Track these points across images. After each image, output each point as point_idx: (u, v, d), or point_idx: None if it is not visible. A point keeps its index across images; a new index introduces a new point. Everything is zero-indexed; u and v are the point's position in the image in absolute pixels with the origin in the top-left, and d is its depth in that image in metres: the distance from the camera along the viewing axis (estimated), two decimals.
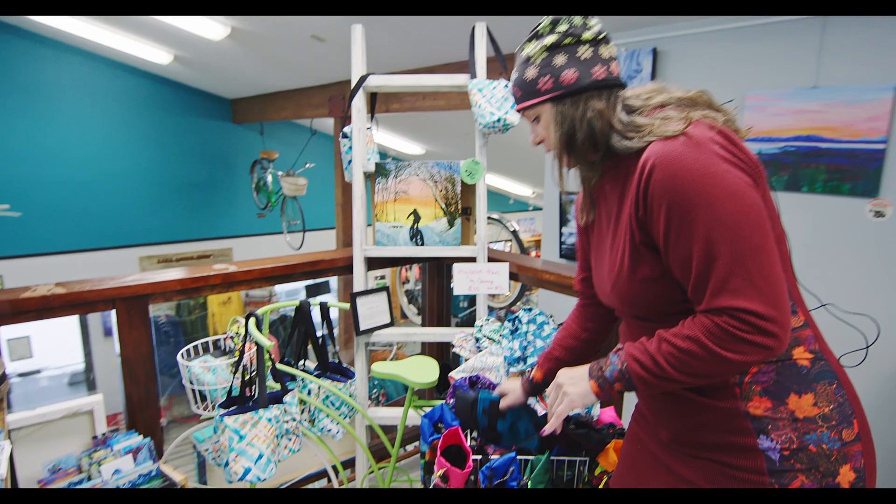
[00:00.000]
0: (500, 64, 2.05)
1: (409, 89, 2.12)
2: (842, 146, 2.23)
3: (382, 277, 6.81)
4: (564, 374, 1.04)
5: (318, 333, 1.89)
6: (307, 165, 5.88)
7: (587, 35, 0.95)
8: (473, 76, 2.01)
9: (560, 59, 0.95)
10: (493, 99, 1.96)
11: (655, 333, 0.91)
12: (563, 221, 3.33)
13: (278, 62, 4.70)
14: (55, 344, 5.61)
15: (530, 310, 1.85)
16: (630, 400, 1.41)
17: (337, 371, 1.87)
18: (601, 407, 1.63)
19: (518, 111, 1.05)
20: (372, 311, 2.07)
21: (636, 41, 2.89)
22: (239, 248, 6.83)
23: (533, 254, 7.36)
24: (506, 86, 1.97)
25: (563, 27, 0.95)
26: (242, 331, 1.64)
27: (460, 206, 2.09)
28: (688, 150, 0.83)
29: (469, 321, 5.29)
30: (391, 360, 5.12)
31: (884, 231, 2.19)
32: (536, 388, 1.38)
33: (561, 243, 3.39)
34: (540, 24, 0.98)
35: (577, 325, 1.34)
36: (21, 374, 5.68)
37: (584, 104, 0.94)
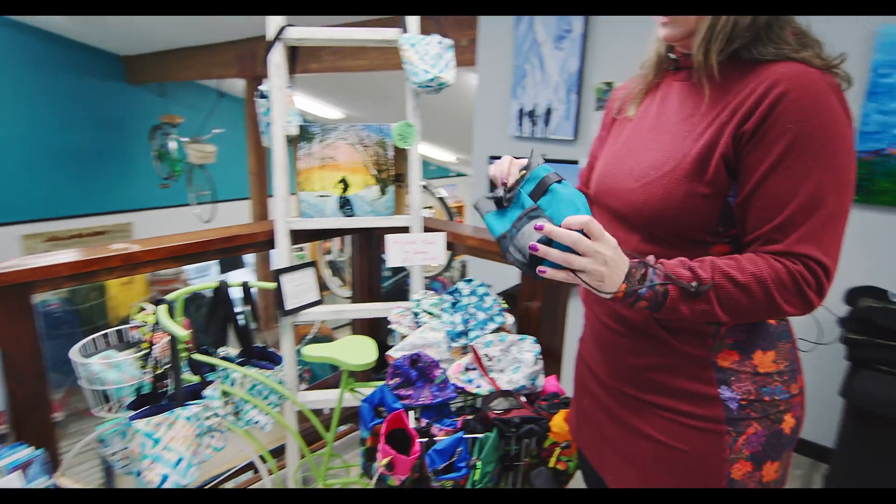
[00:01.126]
0: (432, 19, 1.90)
1: (335, 43, 1.92)
2: None
3: (300, 249, 6.52)
4: (613, 247, 0.78)
5: (239, 316, 1.71)
6: (215, 131, 5.43)
7: None
8: (405, 30, 1.85)
9: None
10: (426, 56, 1.81)
11: (706, 259, 0.79)
12: (492, 187, 3.26)
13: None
14: None
15: (470, 281, 1.77)
16: (569, 366, 1.37)
17: (263, 357, 1.71)
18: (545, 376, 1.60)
19: None
20: (298, 288, 1.91)
21: None
22: (140, 223, 6.27)
23: (456, 220, 7.34)
24: (440, 42, 1.83)
25: None
26: (151, 319, 1.43)
27: (392, 173, 1.95)
28: (826, 87, 0.76)
29: (395, 292, 5.18)
30: (312, 335, 4.92)
31: None
32: None
33: None
34: None
35: None
36: None
37: None
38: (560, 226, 0.78)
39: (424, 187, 4.13)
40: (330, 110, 6.50)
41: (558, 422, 1.41)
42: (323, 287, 5.42)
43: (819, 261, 0.76)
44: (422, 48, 1.80)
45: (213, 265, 6.71)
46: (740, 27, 0.81)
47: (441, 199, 4.04)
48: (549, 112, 2.93)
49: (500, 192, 0.95)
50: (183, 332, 1.27)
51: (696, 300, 0.78)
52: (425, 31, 1.85)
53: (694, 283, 0.78)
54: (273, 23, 1.82)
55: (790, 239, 0.77)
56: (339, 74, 4.43)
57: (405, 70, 1.83)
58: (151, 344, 1.36)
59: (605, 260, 0.77)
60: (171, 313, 1.43)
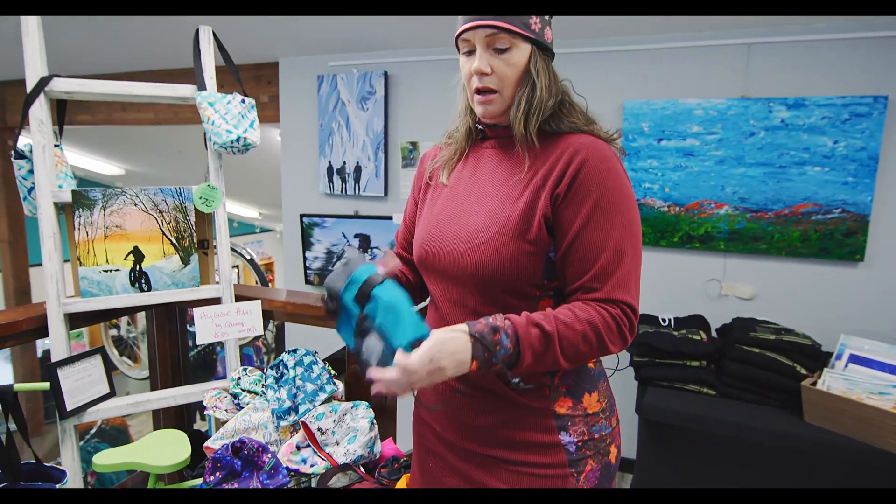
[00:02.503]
0: (232, 75, 1.80)
1: (116, 98, 1.71)
2: None
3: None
4: (441, 345, 0.80)
5: None
6: None
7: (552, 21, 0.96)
8: (202, 87, 1.72)
9: (546, 17, 0.94)
10: (228, 115, 1.71)
11: (548, 312, 0.84)
12: (307, 244, 3.17)
13: None
14: None
15: (295, 351, 1.66)
16: (404, 425, 1.35)
17: (36, 476, 1.37)
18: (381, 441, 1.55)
19: (495, 27, 0.88)
20: (82, 383, 1.59)
21: (370, 63, 2.93)
22: None
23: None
24: (242, 101, 1.74)
25: None
26: None
27: (195, 240, 1.76)
28: (614, 156, 0.91)
29: (201, 366, 4.65)
30: (96, 429, 4.13)
31: None
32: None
33: (306, 268, 3.21)
34: None
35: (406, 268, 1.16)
36: None
37: (552, 68, 0.95)
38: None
39: (231, 248, 3.84)
40: (106, 166, 5.73)
41: (402, 487, 1.37)
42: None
43: (630, 304, 0.87)
44: (222, 107, 1.70)
45: None
46: (548, 105, 0.93)
47: (250, 259, 3.78)
48: (358, 169, 2.97)
49: (327, 302, 0.96)
50: None
51: (544, 354, 0.83)
52: (221, 84, 1.75)
53: (536, 346, 0.82)
54: (33, 71, 1.55)
55: (607, 286, 0.86)
56: (116, 126, 3.95)
57: (206, 129, 1.70)
58: None
59: (437, 369, 0.79)
60: None
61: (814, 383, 1.93)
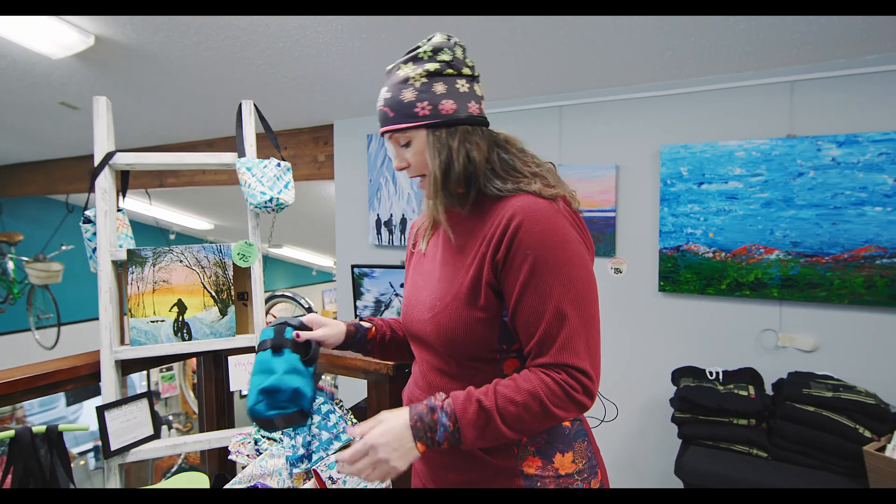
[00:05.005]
0: (270, 141, 1.98)
1: (168, 167, 1.92)
2: (584, 215, 2.60)
3: (169, 368, 5.98)
4: (384, 444, 0.84)
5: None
6: (63, 248, 5.01)
7: (466, 70, 0.96)
8: (242, 154, 1.90)
9: (440, 88, 0.94)
10: (264, 178, 1.87)
11: (489, 385, 0.87)
12: (357, 294, 3.29)
13: (19, 130, 4.01)
14: None
15: (314, 399, 1.73)
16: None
17: None
18: None
19: (388, 132, 0.98)
20: (128, 424, 1.74)
21: None
22: None
23: None
24: (278, 164, 1.90)
25: (445, 56, 0.94)
26: None
27: (234, 292, 1.91)
28: (554, 214, 0.89)
29: None
30: (178, 466, 4.41)
31: (623, 284, 2.55)
32: (360, 342, 1.16)
33: (356, 316, 3.33)
34: (419, 47, 0.95)
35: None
36: None
37: (461, 136, 0.94)
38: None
39: (291, 297, 4.06)
40: (198, 222, 6.31)
41: None
42: (192, 412, 4.96)
43: (578, 367, 0.85)
44: (258, 171, 1.86)
45: (60, 396, 5.90)
46: (454, 180, 0.94)
47: (308, 308, 3.98)
48: (404, 221, 3.09)
49: None
50: None
51: (485, 428, 0.84)
52: (269, 152, 1.92)
53: (476, 420, 0.84)
54: (99, 148, 1.79)
55: (552, 351, 0.86)
56: (203, 187, 4.37)
57: (243, 192, 1.87)
58: None
59: (378, 455, 0.84)
60: None
61: (881, 448, 1.72)
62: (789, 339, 2.23)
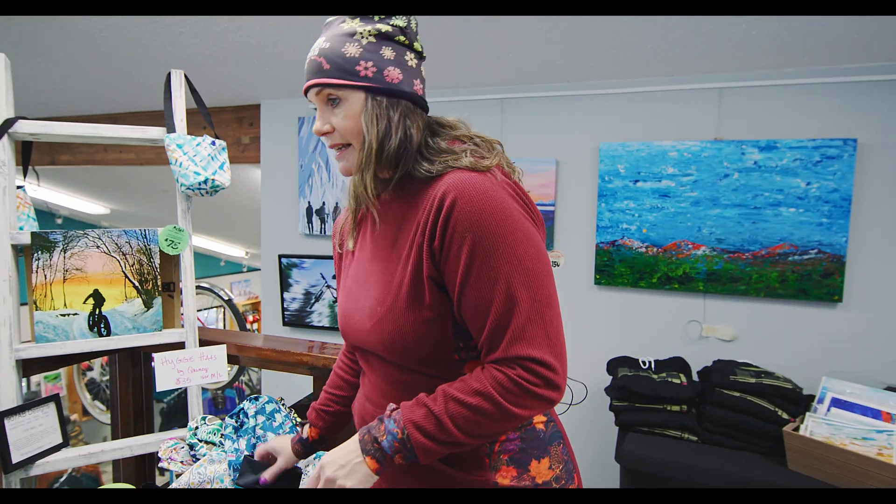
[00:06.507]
0: (203, 117, 1.80)
1: (84, 140, 1.69)
2: None
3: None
4: (330, 462, 0.81)
5: None
6: None
7: (417, 45, 0.87)
8: (171, 130, 1.71)
9: (388, 53, 0.84)
10: (197, 157, 1.69)
11: (438, 390, 0.79)
12: (285, 285, 3.12)
13: None
14: None
15: (256, 398, 1.60)
16: None
17: None
18: None
19: (317, 86, 0.85)
20: (31, 433, 1.52)
21: None
22: None
23: (251, 317, 6.84)
24: (212, 143, 1.74)
25: (399, 22, 0.84)
26: None
27: (160, 282, 1.72)
28: (491, 186, 0.78)
29: (185, 411, 4.52)
30: (66, 478, 3.97)
31: (560, 277, 2.61)
32: (311, 447, 1.16)
33: (283, 310, 3.16)
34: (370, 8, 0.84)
35: (344, 368, 1.17)
36: None
37: (403, 110, 0.84)
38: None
39: (208, 289, 3.77)
40: (91, 206, 5.70)
41: None
42: (82, 413, 4.48)
43: (535, 358, 0.75)
44: (191, 149, 1.68)
45: None
46: (387, 156, 0.84)
47: (228, 300, 3.72)
48: (337, 210, 2.96)
49: None
50: None
51: (438, 433, 0.76)
52: (195, 130, 1.74)
53: (425, 426, 0.77)
54: None
55: (503, 344, 0.76)
56: (103, 167, 3.94)
57: (173, 171, 1.68)
58: None
59: (335, 483, 0.80)
60: None
61: (796, 428, 1.88)
62: (711, 330, 2.39)
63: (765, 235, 2.26)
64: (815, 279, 2.20)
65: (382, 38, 0.84)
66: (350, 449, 0.81)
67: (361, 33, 0.83)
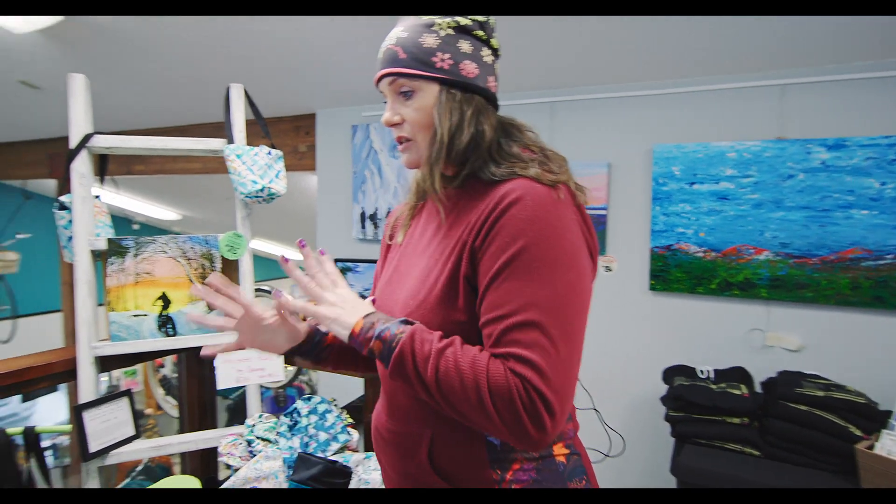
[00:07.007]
0: (261, 128, 1.89)
1: (152, 152, 1.81)
2: None
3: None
4: (340, 295, 0.82)
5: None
6: (18, 236, 4.73)
7: (494, 42, 0.86)
8: (231, 141, 1.81)
9: (466, 46, 0.82)
10: (255, 166, 1.78)
11: (454, 338, 0.75)
12: None
13: None
14: None
15: (309, 398, 1.66)
16: None
17: None
18: None
19: (392, 74, 0.83)
20: (107, 425, 1.63)
21: None
22: None
23: None
24: (269, 152, 1.81)
25: (478, 16, 0.84)
26: None
27: None
28: (553, 200, 0.75)
29: (243, 407, 4.71)
30: (143, 466, 4.21)
31: (613, 283, 2.55)
32: (316, 347, 0.98)
33: None
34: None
35: None
36: None
37: (477, 106, 0.83)
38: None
39: (269, 291, 3.93)
40: (163, 212, 6.06)
41: None
42: (156, 408, 4.74)
43: (531, 383, 0.69)
44: (249, 159, 1.77)
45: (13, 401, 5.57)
46: (457, 151, 0.82)
47: None
48: (389, 215, 3.02)
49: None
50: None
51: (421, 363, 0.72)
52: (254, 140, 1.83)
53: (416, 348, 0.73)
54: (76, 129, 1.67)
55: (510, 355, 0.71)
56: (172, 175, 4.19)
57: (232, 180, 1.77)
58: None
59: (336, 301, 0.81)
60: None
61: (871, 446, 1.75)
62: (776, 339, 2.27)
63: (834, 239, 2.13)
64: (893, 286, 2.06)
65: (461, 30, 0.83)
66: (359, 303, 0.82)
67: (440, 24, 0.82)
